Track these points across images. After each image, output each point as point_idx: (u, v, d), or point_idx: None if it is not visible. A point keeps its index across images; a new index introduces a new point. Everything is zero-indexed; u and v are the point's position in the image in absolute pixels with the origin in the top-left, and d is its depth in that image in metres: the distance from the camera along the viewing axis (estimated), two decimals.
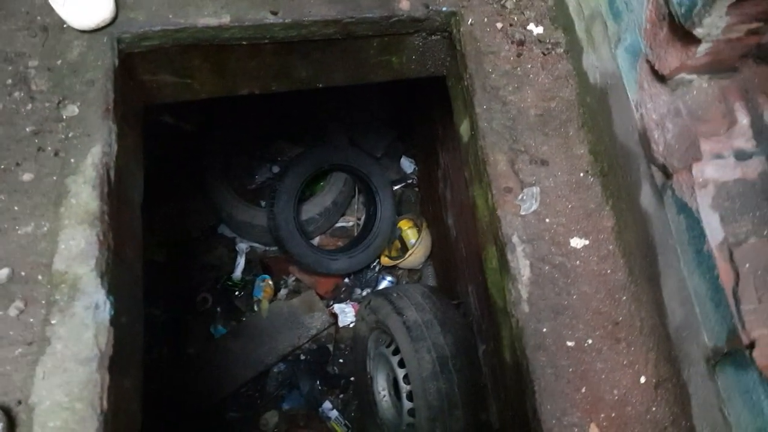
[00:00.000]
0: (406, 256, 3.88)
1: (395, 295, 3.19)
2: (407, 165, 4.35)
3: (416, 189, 4.31)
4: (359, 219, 4.14)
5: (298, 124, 4.26)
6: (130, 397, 1.57)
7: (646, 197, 1.44)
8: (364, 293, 3.97)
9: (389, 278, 4.00)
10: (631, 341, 1.46)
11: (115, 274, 1.55)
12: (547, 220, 1.54)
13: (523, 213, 1.54)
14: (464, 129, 1.84)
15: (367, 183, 3.84)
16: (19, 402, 1.34)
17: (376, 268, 4.03)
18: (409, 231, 4.09)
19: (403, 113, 4.51)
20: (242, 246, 4.06)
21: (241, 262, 4.04)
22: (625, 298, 1.49)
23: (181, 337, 3.89)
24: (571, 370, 1.42)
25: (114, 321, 1.48)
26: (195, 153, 4.27)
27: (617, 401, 1.41)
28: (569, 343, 1.44)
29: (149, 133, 4.28)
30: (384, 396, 3.49)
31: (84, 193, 1.54)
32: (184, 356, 3.79)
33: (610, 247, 1.54)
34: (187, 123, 4.46)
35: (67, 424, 1.33)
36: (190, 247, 4.15)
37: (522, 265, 1.50)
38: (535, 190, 1.55)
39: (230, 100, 4.34)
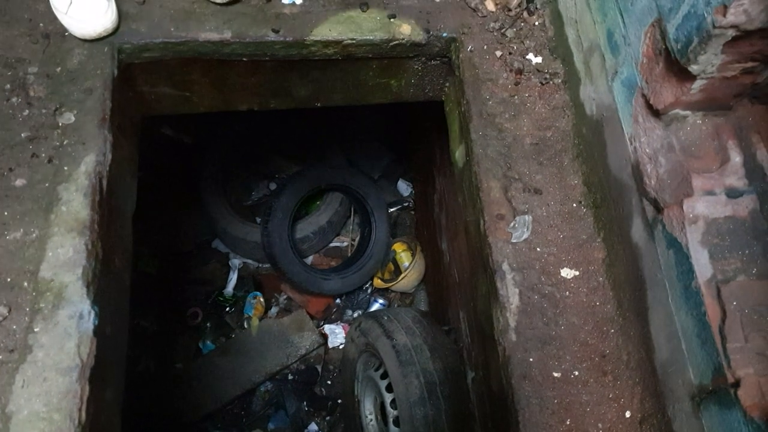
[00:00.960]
0: (399, 279, 3.86)
1: (386, 317, 3.17)
2: (404, 188, 4.35)
3: (412, 212, 4.31)
4: (353, 240, 4.14)
5: (296, 142, 4.27)
6: (110, 409, 1.55)
7: (637, 231, 1.44)
8: (356, 315, 3.95)
9: (381, 301, 3.99)
10: (617, 375, 1.45)
11: (101, 284, 1.54)
12: (538, 249, 1.54)
13: (514, 241, 1.54)
14: (459, 155, 1.84)
15: (363, 204, 3.84)
16: None
17: (369, 290, 4.02)
18: (403, 254, 4.09)
19: (401, 136, 4.52)
20: (235, 261, 4.05)
21: (233, 277, 4.02)
22: (613, 331, 1.48)
23: (169, 350, 3.86)
24: (556, 401, 1.41)
25: (97, 331, 1.46)
26: (193, 166, 4.28)
27: None
28: (555, 374, 1.43)
29: (148, 144, 4.30)
30: (371, 420, 3.45)
31: (75, 202, 1.53)
32: (171, 370, 3.76)
33: (600, 279, 1.53)
34: (187, 136, 4.47)
35: None
36: (182, 260, 4.13)
37: (511, 293, 1.49)
38: (528, 218, 1.55)
39: (230, 115, 4.36)
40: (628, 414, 1.41)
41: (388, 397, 3.16)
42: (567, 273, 1.52)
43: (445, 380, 2.95)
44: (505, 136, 1.68)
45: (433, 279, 3.81)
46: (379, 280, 3.99)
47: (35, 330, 1.40)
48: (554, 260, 1.53)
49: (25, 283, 1.44)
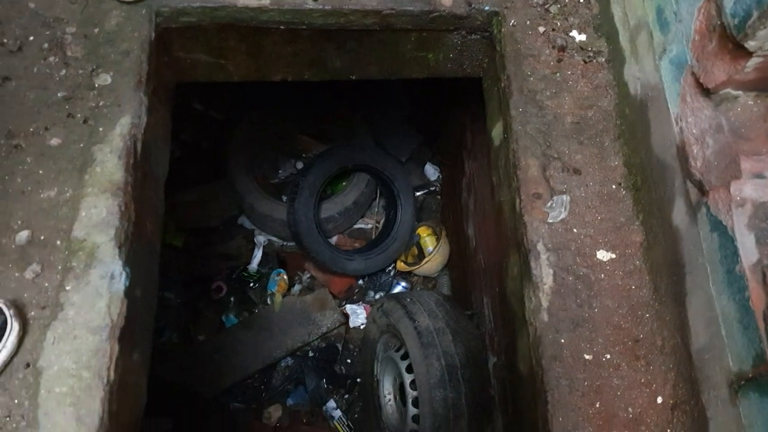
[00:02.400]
0: (423, 263, 3.84)
1: (408, 299, 3.16)
2: (431, 172, 4.32)
3: (438, 197, 4.27)
4: (378, 222, 4.12)
5: (324, 122, 4.26)
6: (137, 370, 1.56)
7: (679, 214, 1.40)
8: (378, 296, 3.95)
9: (403, 284, 3.97)
10: (650, 360, 1.41)
11: (133, 247, 1.54)
12: (575, 230, 1.51)
13: (550, 221, 1.51)
14: (496, 132, 1.81)
15: (390, 186, 3.81)
16: (28, 365, 1.33)
17: (391, 273, 4.00)
18: (427, 238, 4.06)
19: (431, 119, 4.49)
20: (260, 239, 4.05)
21: (258, 254, 4.03)
22: (648, 315, 1.45)
23: (192, 323, 3.89)
24: (586, 383, 1.38)
25: (128, 293, 1.46)
26: (221, 142, 4.28)
27: (631, 420, 1.36)
28: (587, 357, 1.40)
29: (178, 118, 4.31)
30: (389, 400, 3.45)
31: (109, 163, 1.53)
32: (193, 342, 3.79)
33: (637, 262, 1.50)
34: (217, 111, 4.48)
35: (73, 390, 1.32)
36: (208, 236, 4.15)
37: (545, 274, 1.46)
38: (565, 198, 1.52)
39: (259, 92, 4.36)
40: (660, 399, 1.38)
41: (407, 378, 3.15)
42: (603, 255, 1.49)
43: (466, 364, 2.93)
44: (546, 113, 1.64)
45: (457, 264, 3.78)
46: (403, 263, 3.97)
47: (67, 288, 1.40)
48: (591, 242, 1.50)
49: (58, 242, 1.45)
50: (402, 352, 3.21)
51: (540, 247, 1.49)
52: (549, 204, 1.52)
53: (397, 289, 3.92)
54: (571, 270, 1.47)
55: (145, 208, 1.66)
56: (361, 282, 3.99)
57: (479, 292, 3.21)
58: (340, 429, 3.62)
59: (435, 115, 4.38)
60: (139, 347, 1.58)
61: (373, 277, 3.96)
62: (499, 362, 2.85)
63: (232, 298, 3.91)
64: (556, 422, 1.35)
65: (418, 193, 4.11)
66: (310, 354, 3.78)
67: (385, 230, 3.90)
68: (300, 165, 4.27)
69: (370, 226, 4.13)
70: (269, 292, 3.89)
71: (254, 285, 3.97)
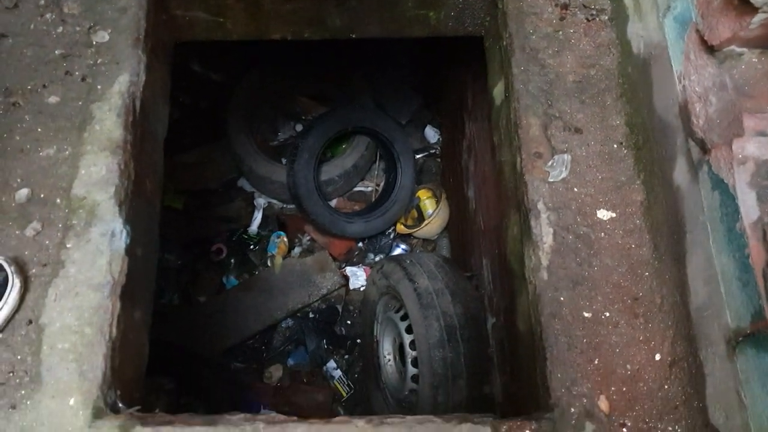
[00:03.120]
0: (422, 225, 3.85)
1: (408, 261, 3.17)
2: (431, 134, 4.29)
3: (438, 160, 4.26)
4: (378, 185, 4.11)
5: (323, 83, 4.22)
6: (139, 328, 1.57)
7: (680, 173, 1.39)
8: (377, 258, 3.96)
9: (403, 246, 3.98)
10: (649, 317, 1.43)
11: (133, 205, 1.54)
12: (576, 189, 1.51)
13: (551, 180, 1.50)
14: (497, 91, 1.80)
15: (390, 149, 3.80)
16: (30, 321, 1.34)
17: (391, 235, 4.01)
18: (427, 201, 4.06)
19: (431, 80, 4.44)
20: (260, 201, 4.05)
21: (258, 216, 4.04)
22: (647, 273, 1.46)
23: (192, 285, 3.91)
24: (585, 341, 1.40)
25: (129, 250, 1.47)
26: (220, 104, 4.25)
27: (629, 376, 1.38)
28: (586, 314, 1.41)
29: (177, 80, 4.27)
30: (389, 360, 3.49)
31: (108, 121, 1.52)
32: (194, 304, 3.82)
33: (637, 221, 1.50)
34: (215, 72, 4.43)
35: (75, 347, 1.33)
36: (208, 198, 4.15)
37: (545, 233, 1.47)
38: (566, 157, 1.51)
39: (259, 52, 4.31)
40: (658, 357, 1.39)
41: (407, 339, 3.19)
42: (603, 214, 1.49)
43: (465, 324, 2.96)
44: (548, 72, 1.62)
45: (456, 227, 3.79)
46: (402, 226, 3.98)
47: (67, 246, 1.41)
48: (591, 201, 1.50)
49: (58, 200, 1.45)
50: (402, 313, 3.24)
51: (540, 206, 1.48)
52: (550, 163, 1.51)
53: (397, 251, 3.94)
54: (572, 229, 1.47)
55: (145, 166, 1.65)
56: (360, 244, 4.00)
57: (478, 254, 3.22)
58: (340, 389, 3.67)
59: (435, 76, 4.33)
60: (141, 306, 1.59)
61: (372, 239, 3.97)
62: (497, 323, 2.88)
63: (232, 260, 3.93)
64: (555, 379, 1.36)
65: (418, 156, 4.09)
66: (311, 315, 3.81)
67: (385, 193, 3.90)
68: (299, 127, 4.24)
69: (370, 188, 4.12)
70: (269, 254, 3.90)
71: (254, 247, 3.99)
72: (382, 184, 4.07)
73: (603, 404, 1.36)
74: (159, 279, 3.91)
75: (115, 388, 1.38)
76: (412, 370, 3.14)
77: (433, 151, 4.22)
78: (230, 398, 3.35)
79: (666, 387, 1.38)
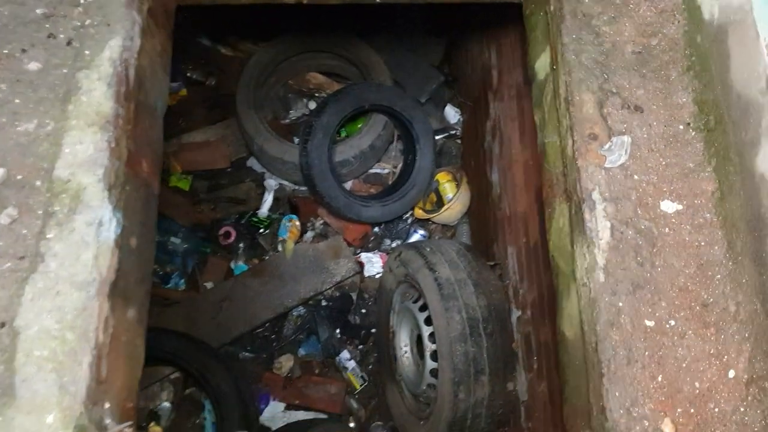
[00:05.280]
0: (442, 210, 3.64)
1: (428, 249, 2.98)
2: (452, 114, 4.07)
3: (458, 141, 4.04)
4: (395, 167, 3.91)
5: (339, 59, 4.00)
6: (133, 329, 1.38)
7: (765, 160, 1.18)
8: (394, 245, 3.77)
9: (421, 232, 3.78)
10: (721, 327, 1.22)
11: (126, 189, 1.34)
12: (636, 176, 1.30)
13: (608, 165, 1.30)
14: (541, 64, 1.58)
15: (409, 129, 3.58)
16: (3, 324, 1.16)
17: (409, 220, 3.81)
18: (447, 185, 3.85)
19: (453, 57, 4.21)
20: (271, 182, 3.86)
21: (268, 198, 3.85)
22: (719, 276, 1.25)
23: (199, 270, 3.74)
24: (647, 354, 1.20)
25: (120, 242, 1.28)
26: (230, 81, 4.05)
27: (698, 395, 1.18)
28: (648, 323, 1.21)
29: (184, 54, 4.06)
30: (405, 353, 3.31)
31: (97, 92, 1.32)
32: (201, 290, 3.65)
33: (708, 215, 1.29)
34: (225, 47, 4.23)
35: (55, 355, 1.14)
36: (216, 179, 3.97)
37: (601, 227, 1.26)
38: (626, 139, 1.30)
39: (272, 26, 4.10)
40: (732, 374, 1.19)
41: (426, 331, 3.00)
42: (668, 207, 1.28)
43: (488, 317, 2.77)
44: (603, 41, 1.41)
45: (478, 212, 3.58)
46: (421, 211, 3.77)
47: (48, 236, 1.21)
48: (654, 191, 1.29)
49: (38, 183, 1.25)
50: (420, 303, 3.05)
51: (596, 196, 1.28)
52: (607, 146, 1.30)
53: (415, 237, 3.74)
54: (632, 223, 1.27)
55: (141, 145, 1.46)
56: (376, 230, 3.81)
57: (502, 242, 3.02)
58: (353, 380, 3.50)
59: (457, 53, 4.10)
60: (135, 303, 1.40)
61: (389, 224, 3.78)
62: (524, 316, 2.68)
63: (241, 245, 3.75)
64: (612, 398, 1.17)
65: (437, 137, 3.87)
66: (323, 303, 3.63)
67: (403, 175, 3.69)
68: (312, 105, 4.04)
69: (386, 171, 3.92)
70: (280, 238, 3.72)
71: (264, 231, 3.80)
72: (399, 166, 3.86)
73: (668, 428, 1.16)
74: (164, 263, 3.75)
75: (102, 401, 1.19)
76: (431, 363, 2.96)
77: (453, 132, 4.00)
78: (237, 390, 3.18)
79: (742, 410, 1.18)
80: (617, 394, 1.17)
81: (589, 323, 1.24)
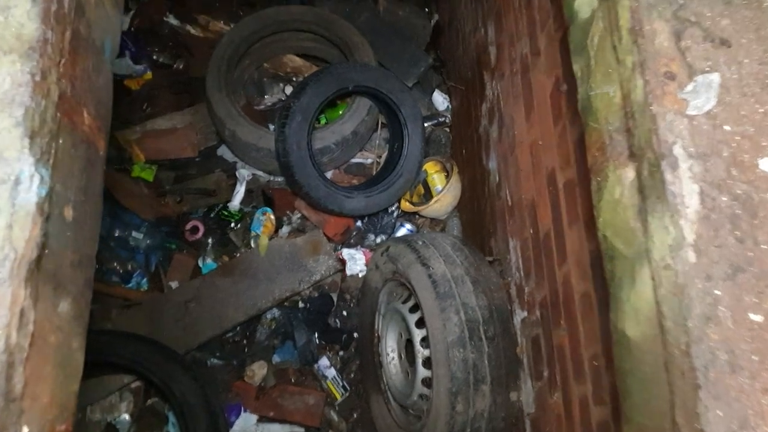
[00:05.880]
0: (431, 202, 3.34)
1: (420, 242, 2.67)
2: (440, 101, 3.78)
3: (447, 129, 3.75)
4: (380, 156, 3.60)
5: (318, 39, 3.68)
6: (66, 330, 1.04)
7: None
8: (378, 240, 3.45)
9: (409, 226, 3.48)
10: None
11: (58, 143, 1.01)
12: (727, 127, 1.00)
13: (692, 112, 1.00)
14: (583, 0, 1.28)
15: (396, 113, 3.27)
16: None
17: (395, 214, 3.50)
18: (435, 175, 3.55)
19: (441, 40, 3.93)
20: (243, 172, 3.52)
21: (240, 190, 3.51)
22: None
23: (164, 268, 3.38)
24: (756, 358, 0.90)
25: (46, 209, 0.94)
26: (200, 63, 3.71)
27: None
28: (754, 317, 0.91)
29: (149, 34, 3.69)
30: (393, 359, 3.00)
31: (18, 9, 0.98)
32: (165, 289, 3.29)
33: None
34: (195, 27, 3.88)
35: None
36: (183, 168, 3.61)
37: (687, 191, 0.96)
38: (714, 78, 1.01)
39: (245, 1, 3.76)
40: None
41: (417, 335, 2.70)
42: None
43: (489, 318, 2.48)
44: None
45: (470, 204, 3.28)
46: (408, 203, 3.47)
47: None
48: (750, 146, 1.00)
49: None
50: (411, 303, 2.75)
51: (678, 150, 0.98)
52: (689, 87, 1.01)
53: (401, 231, 3.43)
54: (725, 186, 0.97)
55: (80, 90, 1.12)
56: (359, 224, 3.49)
57: (502, 236, 2.73)
58: (333, 390, 3.17)
59: (446, 36, 3.81)
60: (69, 294, 1.06)
61: (373, 218, 3.46)
62: (530, 317, 2.38)
63: (210, 240, 3.40)
64: (714, 418, 0.86)
65: (426, 124, 3.57)
66: (301, 305, 3.30)
67: (389, 164, 3.38)
68: (289, 90, 3.71)
69: (370, 161, 3.60)
70: (253, 233, 3.38)
71: (236, 225, 3.46)
72: (384, 155, 3.55)
73: None
74: (126, 260, 3.38)
75: (15, 426, 0.85)
76: (423, 372, 2.65)
77: (442, 119, 3.71)
78: (205, 400, 2.83)
79: None
80: (719, 413, 0.87)
81: (675, 318, 0.93)
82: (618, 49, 1.12)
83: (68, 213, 1.06)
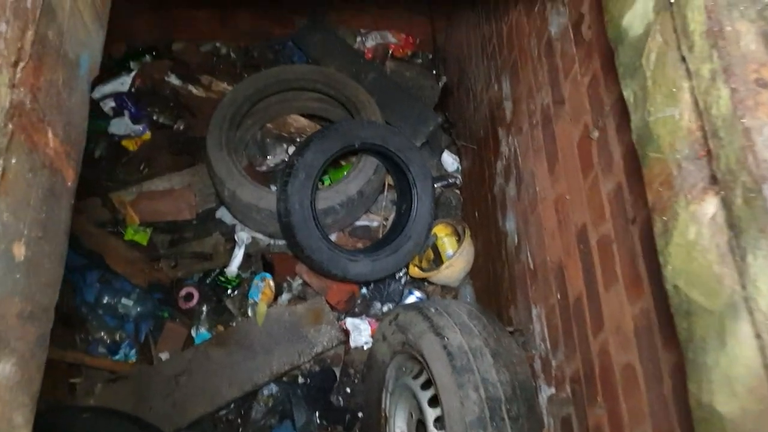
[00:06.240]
0: (442, 268, 3.12)
1: (433, 310, 2.44)
2: (450, 162, 3.62)
3: (458, 191, 3.57)
4: (386, 219, 3.40)
5: (323, 98, 3.56)
6: (5, 398, 0.82)
7: None
8: (385, 309, 3.21)
9: (418, 294, 3.24)
10: None
11: (8, 161, 0.81)
12: None
13: None
14: (634, 15, 1.10)
15: (404, 172, 3.10)
16: None
17: (402, 280, 3.27)
18: (446, 239, 3.35)
19: (450, 101, 3.81)
20: (243, 235, 3.31)
21: (239, 254, 3.30)
22: None
23: (154, 338, 3.13)
24: None
25: None
26: (201, 123, 3.58)
27: None
28: None
29: (150, 97, 3.56)
30: None
31: None
32: (155, 361, 3.03)
33: None
34: (197, 87, 3.78)
35: None
36: (179, 231, 3.41)
37: None
38: None
39: (249, 62, 3.67)
40: None
41: (430, 414, 2.42)
42: None
43: (512, 396, 2.22)
44: None
45: (485, 269, 3.07)
46: (417, 269, 3.25)
47: None
48: None
49: None
50: (423, 378, 2.49)
51: None
52: None
53: (410, 299, 3.20)
54: None
55: (46, 106, 0.93)
56: (365, 291, 3.25)
57: (524, 303, 2.50)
58: None
59: (455, 95, 3.70)
60: (14, 352, 0.84)
61: (379, 285, 3.23)
62: (559, 395, 2.13)
63: (204, 308, 3.17)
64: None
65: (435, 185, 3.39)
66: (300, 380, 3.03)
67: (397, 226, 3.18)
68: (292, 150, 3.56)
69: (376, 224, 3.41)
70: (251, 300, 3.15)
71: (232, 292, 3.23)
72: (391, 217, 3.35)
73: None
74: (113, 331, 3.14)
75: None
76: None
77: (452, 180, 3.54)
78: None
79: None
80: None
81: None
82: (688, 59, 0.93)
83: (18, 250, 0.85)
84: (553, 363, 2.18)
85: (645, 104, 1.09)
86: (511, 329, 2.52)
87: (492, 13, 3.02)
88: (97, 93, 3.71)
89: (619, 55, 1.18)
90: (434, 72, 3.97)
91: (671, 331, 1.43)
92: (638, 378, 1.59)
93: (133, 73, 3.78)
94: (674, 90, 1.01)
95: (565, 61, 2.13)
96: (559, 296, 2.14)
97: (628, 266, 1.66)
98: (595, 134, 1.87)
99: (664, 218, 1.02)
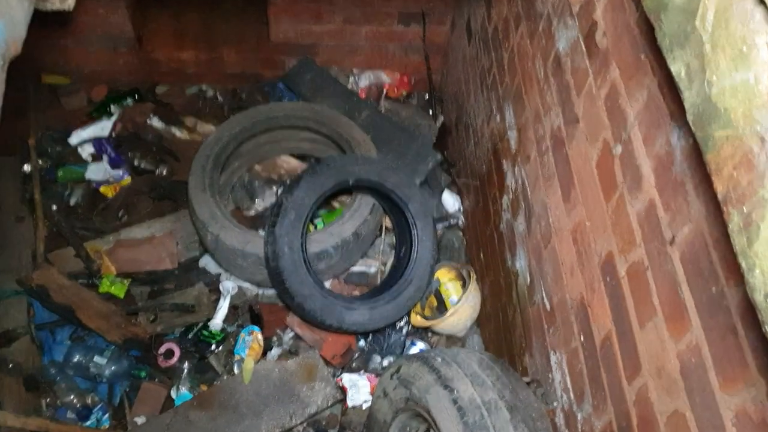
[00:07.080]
0: (447, 315, 2.85)
1: (440, 359, 2.17)
2: (450, 202, 3.39)
3: (460, 232, 3.33)
4: (384, 263, 3.15)
5: (314, 137, 3.36)
6: None
7: None
8: (386, 362, 2.92)
9: (421, 345, 2.96)
10: None
11: None
12: None
13: None
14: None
15: (403, 211, 2.86)
16: None
17: (404, 330, 2.98)
18: (450, 284, 3.09)
19: (448, 139, 3.61)
20: (228, 285, 3.04)
21: (224, 306, 3.02)
22: None
23: (130, 399, 2.83)
24: None
25: None
26: (185, 167, 3.36)
27: None
28: None
29: (131, 143, 3.36)
30: None
31: None
32: (129, 426, 2.72)
33: None
34: (181, 128, 3.58)
35: None
36: (159, 282, 3.15)
37: None
38: None
39: (237, 104, 3.49)
40: None
41: None
42: None
43: None
44: None
45: (494, 315, 2.80)
46: (419, 317, 2.97)
47: None
48: None
49: None
50: None
51: None
52: None
53: (413, 350, 2.91)
54: None
55: None
56: (362, 343, 2.97)
57: (541, 350, 2.23)
58: None
59: (453, 133, 3.50)
60: None
61: (379, 335, 2.94)
62: None
63: (186, 365, 2.88)
64: None
65: (436, 227, 3.15)
66: None
67: (396, 270, 2.91)
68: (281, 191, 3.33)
69: (374, 269, 3.15)
70: (237, 357, 2.86)
71: (217, 348, 2.95)
72: (390, 262, 3.10)
73: None
74: (83, 394, 2.83)
75: None
76: None
77: (454, 221, 3.30)
78: None
79: None
80: None
81: None
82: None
83: None
84: (579, 416, 1.90)
85: (703, 75, 0.86)
86: (527, 380, 2.24)
87: (491, 42, 2.85)
88: (76, 138, 3.51)
89: (663, 25, 0.96)
90: (431, 112, 3.79)
91: (733, 368, 1.16)
92: (690, 428, 1.32)
93: (113, 118, 3.59)
94: (745, 49, 0.78)
95: (577, 76, 1.92)
96: (582, 339, 1.88)
97: (667, 295, 1.41)
98: (618, 150, 1.64)
99: (744, 209, 0.78)
